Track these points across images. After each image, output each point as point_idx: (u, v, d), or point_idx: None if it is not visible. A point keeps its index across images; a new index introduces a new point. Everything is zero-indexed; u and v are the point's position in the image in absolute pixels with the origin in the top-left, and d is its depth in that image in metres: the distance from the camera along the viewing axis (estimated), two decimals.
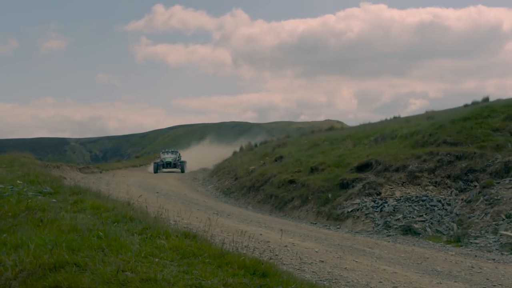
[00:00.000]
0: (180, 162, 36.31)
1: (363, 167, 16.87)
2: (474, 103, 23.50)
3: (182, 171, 34.87)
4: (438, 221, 13.26)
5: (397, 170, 15.84)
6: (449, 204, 13.88)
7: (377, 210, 14.19)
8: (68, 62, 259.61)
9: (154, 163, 35.97)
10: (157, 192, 19.00)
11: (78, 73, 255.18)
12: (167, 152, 38.62)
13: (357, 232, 13.32)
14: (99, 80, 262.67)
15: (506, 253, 10.71)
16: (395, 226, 13.27)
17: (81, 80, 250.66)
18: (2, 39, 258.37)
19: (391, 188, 15.10)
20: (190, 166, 36.36)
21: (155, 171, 34.40)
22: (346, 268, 7.82)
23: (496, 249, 10.96)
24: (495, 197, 12.94)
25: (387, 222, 13.51)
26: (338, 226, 14.18)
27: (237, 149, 37.00)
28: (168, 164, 35.99)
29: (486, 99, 23.67)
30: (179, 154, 38.67)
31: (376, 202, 14.57)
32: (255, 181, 20.60)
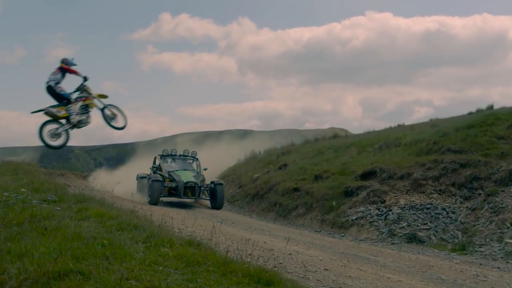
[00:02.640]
0: (214, 185, 18.20)
1: (367, 175, 16.86)
2: (479, 111, 23.47)
3: (218, 206, 18.19)
4: (443, 229, 13.22)
5: (401, 178, 15.83)
6: (454, 212, 13.85)
7: (381, 218, 14.16)
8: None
9: (153, 180, 17.62)
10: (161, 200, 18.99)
11: None
12: (178, 158, 19.89)
13: (361, 240, 13.29)
14: (105, 88, 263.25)
15: (511, 261, 10.67)
16: (400, 234, 13.24)
17: None
18: (9, 48, 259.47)
19: (396, 196, 15.08)
20: None
21: (153, 201, 17.21)
22: (350, 276, 7.80)
23: (501, 258, 10.92)
24: (500, 205, 12.91)
25: (392, 230, 13.48)
26: (342, 234, 14.16)
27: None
28: (189, 189, 17.80)
29: (490, 107, 23.63)
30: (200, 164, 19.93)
31: (381, 210, 14.55)
32: (259, 189, 20.61)
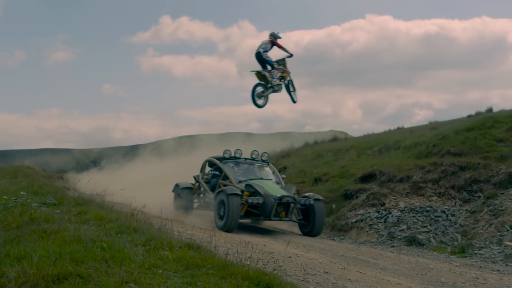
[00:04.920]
0: (311, 201, 13.27)
1: (367, 178, 16.86)
2: (478, 114, 23.48)
3: (316, 232, 13.33)
4: (442, 232, 13.22)
5: (401, 180, 15.83)
6: (453, 215, 13.84)
7: (381, 221, 14.16)
8: (74, 73, 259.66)
9: (230, 194, 12.48)
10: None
11: (84, 84, 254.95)
12: (244, 163, 14.85)
13: (361, 243, 13.28)
14: (105, 91, 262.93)
15: (510, 264, 10.66)
16: (399, 237, 13.23)
17: (87, 91, 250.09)
18: (9, 51, 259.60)
19: (395, 199, 15.07)
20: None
21: (232, 225, 12.31)
22: (350, 279, 7.79)
23: (501, 260, 10.92)
24: (499, 208, 12.91)
25: (391, 233, 13.48)
26: (342, 237, 14.14)
27: None
28: (283, 208, 12.85)
29: (489, 110, 23.65)
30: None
31: (380, 212, 14.55)
32: None
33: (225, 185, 13.64)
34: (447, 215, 13.86)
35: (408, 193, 15.27)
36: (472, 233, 12.54)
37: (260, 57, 15.20)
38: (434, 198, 14.89)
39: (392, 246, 12.76)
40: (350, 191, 16.23)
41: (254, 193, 12.99)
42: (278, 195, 12.75)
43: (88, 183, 14.26)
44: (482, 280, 9.02)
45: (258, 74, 15.38)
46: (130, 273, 4.91)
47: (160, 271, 5.12)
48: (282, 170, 22.67)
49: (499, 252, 11.30)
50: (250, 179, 13.73)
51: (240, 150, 15.00)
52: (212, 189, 14.25)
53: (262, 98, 15.59)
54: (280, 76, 15.49)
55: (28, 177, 16.53)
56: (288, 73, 15.71)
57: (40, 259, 5.18)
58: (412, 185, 15.49)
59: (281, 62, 15.59)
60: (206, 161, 15.50)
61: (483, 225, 12.65)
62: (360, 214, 14.79)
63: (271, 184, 13.61)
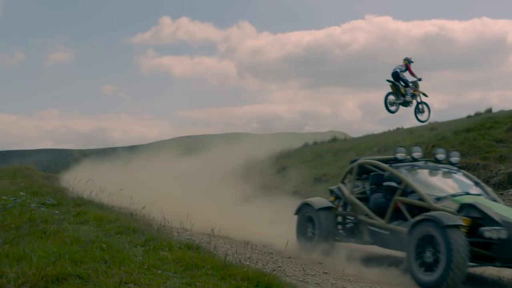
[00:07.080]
0: None
1: None
2: (477, 114, 23.48)
3: None
4: None
5: None
6: None
7: None
8: (74, 74, 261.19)
9: (445, 227, 7.40)
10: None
11: (84, 85, 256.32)
12: (424, 167, 9.90)
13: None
14: (104, 91, 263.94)
15: None
16: None
17: (87, 92, 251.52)
18: (9, 52, 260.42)
19: None
20: None
21: (444, 281, 7.32)
22: (350, 279, 7.79)
23: None
24: None
25: None
26: None
27: None
28: None
29: (489, 110, 23.65)
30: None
31: None
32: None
33: (412, 205, 8.95)
34: None
35: None
36: None
37: (397, 76, 16.96)
38: None
39: None
40: None
41: (481, 219, 8.03)
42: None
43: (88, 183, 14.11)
44: (481, 281, 9.02)
45: (392, 85, 17.05)
46: (129, 273, 4.91)
47: (160, 271, 5.12)
48: (281, 170, 22.67)
49: None
50: (454, 195, 8.85)
51: (419, 148, 10.78)
52: (379, 212, 9.62)
53: (394, 105, 17.20)
54: (411, 93, 17.11)
55: (27, 177, 16.51)
56: (420, 93, 17.21)
57: (40, 260, 5.18)
58: None
59: (415, 83, 17.19)
60: (357, 165, 10.91)
61: None
62: None
63: (498, 205, 8.77)
